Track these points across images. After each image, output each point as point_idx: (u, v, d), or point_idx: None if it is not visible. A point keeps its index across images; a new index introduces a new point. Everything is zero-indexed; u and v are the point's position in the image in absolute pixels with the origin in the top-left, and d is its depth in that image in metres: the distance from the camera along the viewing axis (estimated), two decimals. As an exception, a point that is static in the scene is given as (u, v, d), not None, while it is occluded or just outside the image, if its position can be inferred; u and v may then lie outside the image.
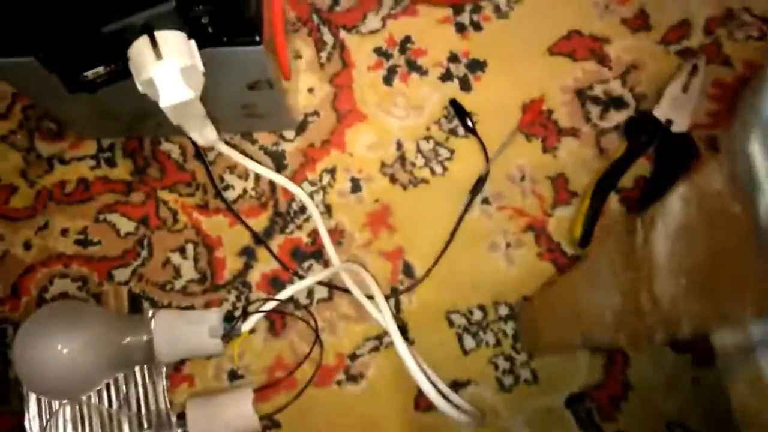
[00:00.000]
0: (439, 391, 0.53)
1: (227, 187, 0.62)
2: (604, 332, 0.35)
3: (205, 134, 0.50)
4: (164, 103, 0.40)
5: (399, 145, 0.63)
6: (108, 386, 0.56)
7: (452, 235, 0.61)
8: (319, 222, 0.60)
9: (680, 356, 0.58)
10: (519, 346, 0.59)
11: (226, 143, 0.62)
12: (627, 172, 0.61)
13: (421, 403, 0.58)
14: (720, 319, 0.22)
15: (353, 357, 0.58)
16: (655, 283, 0.27)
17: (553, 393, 0.58)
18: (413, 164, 0.63)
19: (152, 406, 0.55)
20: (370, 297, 0.57)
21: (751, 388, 0.22)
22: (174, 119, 0.43)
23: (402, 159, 0.63)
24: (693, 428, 0.57)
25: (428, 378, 0.54)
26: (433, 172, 0.62)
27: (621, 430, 0.57)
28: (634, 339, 0.31)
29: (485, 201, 0.62)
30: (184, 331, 0.54)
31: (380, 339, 0.59)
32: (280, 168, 0.62)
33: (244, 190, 0.62)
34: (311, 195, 0.62)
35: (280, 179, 0.61)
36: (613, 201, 0.61)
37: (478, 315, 0.59)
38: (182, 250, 0.61)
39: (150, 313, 0.54)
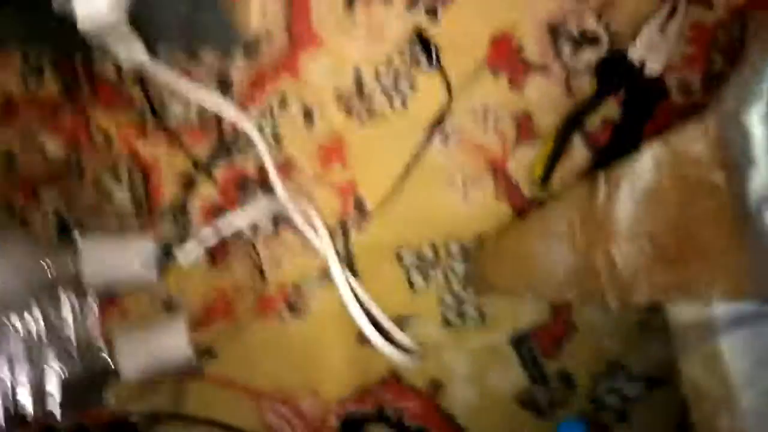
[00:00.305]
0: (380, 327, 0.52)
1: (167, 110, 0.57)
2: (554, 287, 0.34)
3: (132, 53, 0.44)
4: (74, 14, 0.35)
5: (357, 74, 0.59)
6: (34, 314, 0.52)
7: (407, 170, 0.58)
8: (265, 152, 0.57)
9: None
10: (468, 285, 0.58)
11: (165, 63, 0.57)
12: (595, 112, 0.59)
13: (364, 336, 0.57)
14: (683, 294, 0.21)
15: (297, 289, 0.57)
16: (614, 245, 0.25)
17: (498, 331, 0.58)
18: (371, 95, 0.59)
19: (81, 336, 0.53)
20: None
21: (706, 367, 0.21)
22: (93, 33, 0.38)
23: (359, 89, 0.59)
24: (633, 370, 0.58)
25: (370, 313, 0.53)
26: (392, 104, 0.59)
27: (562, 369, 0.58)
28: (584, 299, 0.30)
29: (445, 137, 0.59)
30: (115, 259, 0.51)
31: (326, 273, 0.57)
32: (225, 92, 0.58)
33: (187, 114, 0.57)
34: (259, 123, 0.58)
35: (222, 106, 0.56)
36: (578, 142, 0.59)
37: (428, 252, 0.58)
38: (116, 174, 0.57)
39: (79, 239, 0.51)
